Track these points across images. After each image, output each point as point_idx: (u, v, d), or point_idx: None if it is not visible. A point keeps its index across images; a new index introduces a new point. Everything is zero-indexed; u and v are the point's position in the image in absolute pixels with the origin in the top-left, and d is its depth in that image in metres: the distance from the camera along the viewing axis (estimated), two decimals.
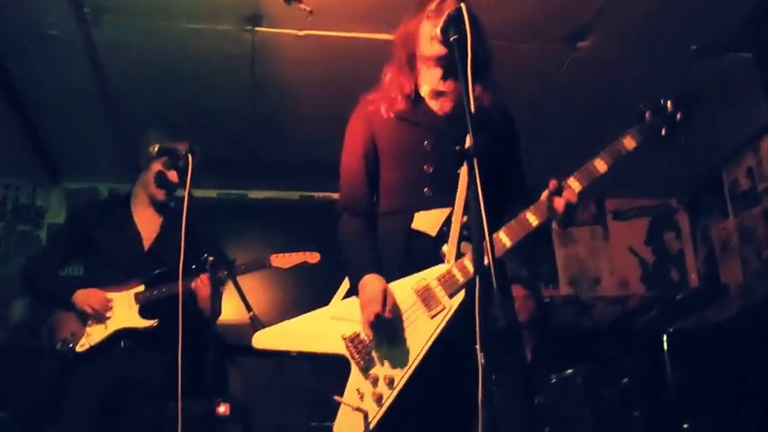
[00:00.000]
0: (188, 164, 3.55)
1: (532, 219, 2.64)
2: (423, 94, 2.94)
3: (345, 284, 2.95)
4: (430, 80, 2.93)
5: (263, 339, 2.80)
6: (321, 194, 6.78)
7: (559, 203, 2.60)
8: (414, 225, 2.76)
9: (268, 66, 4.94)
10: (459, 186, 2.67)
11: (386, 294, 2.62)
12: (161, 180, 4.11)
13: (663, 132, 2.74)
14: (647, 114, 2.75)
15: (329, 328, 2.71)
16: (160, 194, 4.17)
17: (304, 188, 6.76)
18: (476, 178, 2.16)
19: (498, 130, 2.85)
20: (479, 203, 2.12)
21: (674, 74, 5.12)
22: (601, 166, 2.68)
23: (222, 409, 4.97)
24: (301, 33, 4.61)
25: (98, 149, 6.00)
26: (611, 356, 4.91)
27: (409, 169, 2.83)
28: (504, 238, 2.64)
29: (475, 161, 2.19)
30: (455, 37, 2.49)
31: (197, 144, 4.01)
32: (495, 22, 4.53)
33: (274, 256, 4.25)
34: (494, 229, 2.58)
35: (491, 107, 2.87)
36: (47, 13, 4.36)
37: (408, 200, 2.80)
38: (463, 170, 2.65)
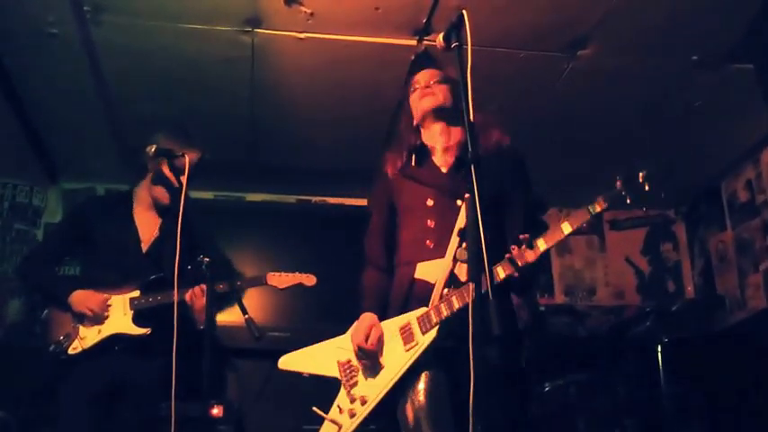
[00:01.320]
0: (184, 165, 3.55)
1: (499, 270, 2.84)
2: (431, 152, 3.26)
3: None
4: (429, 138, 3.29)
5: (288, 362, 3.33)
6: (318, 198, 6.78)
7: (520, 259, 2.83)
8: (416, 274, 3.11)
9: (268, 68, 4.94)
10: (451, 239, 2.98)
11: (371, 329, 3.07)
12: (159, 177, 4.10)
13: (628, 201, 2.87)
14: (618, 183, 2.86)
15: (333, 354, 3.21)
16: (163, 196, 4.17)
17: (301, 192, 6.76)
18: (474, 185, 2.20)
19: (507, 166, 3.17)
20: (477, 212, 2.15)
21: (675, 84, 5.13)
22: (566, 228, 2.86)
23: (216, 410, 4.96)
24: (302, 36, 4.60)
25: (96, 150, 5.99)
26: (606, 366, 4.90)
27: (415, 225, 3.18)
28: (500, 272, 2.85)
29: (473, 168, 2.23)
30: (456, 44, 2.52)
31: (207, 151, 4.03)
32: (496, 30, 4.56)
33: (271, 274, 4.28)
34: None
35: (499, 145, 3.20)
36: (46, 12, 4.35)
37: (414, 252, 3.15)
38: (458, 220, 2.93)
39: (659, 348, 4.62)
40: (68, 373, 3.94)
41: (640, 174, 2.87)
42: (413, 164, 3.28)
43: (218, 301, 3.92)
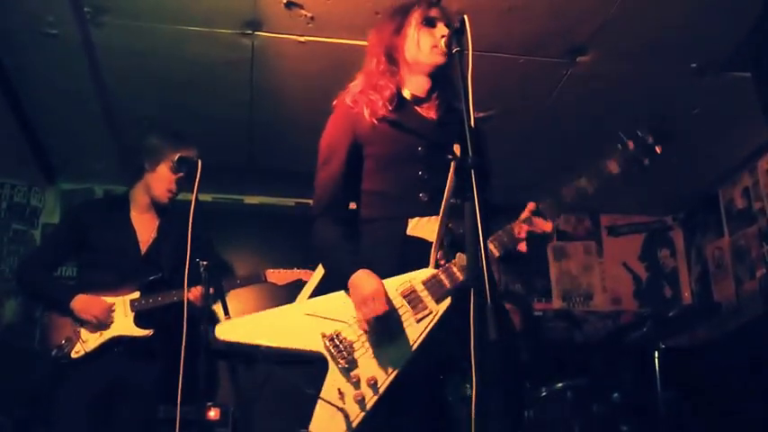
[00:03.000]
0: (196, 171, 3.55)
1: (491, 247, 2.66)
2: (406, 98, 2.94)
3: (313, 281, 2.93)
4: (414, 86, 2.94)
5: (228, 331, 2.73)
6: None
7: (526, 228, 2.68)
8: (409, 231, 2.74)
9: (267, 71, 4.94)
10: (445, 193, 2.66)
11: (385, 291, 2.59)
12: (180, 185, 4.13)
13: (646, 162, 2.81)
14: (630, 144, 2.81)
15: (305, 324, 2.64)
16: (164, 197, 4.18)
17: (300, 195, 6.75)
18: (473, 191, 2.18)
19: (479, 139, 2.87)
20: (477, 218, 2.13)
21: (674, 91, 5.14)
22: (585, 185, 2.74)
23: (212, 413, 4.96)
24: (302, 39, 4.61)
25: (94, 150, 5.98)
26: (603, 371, 4.91)
27: (403, 175, 2.81)
28: (494, 249, 2.67)
29: (473, 174, 2.21)
30: (457, 49, 2.51)
31: (199, 152, 4.04)
32: (495, 36, 4.57)
33: (270, 271, 4.27)
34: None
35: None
36: (46, 13, 4.35)
37: (402, 206, 2.78)
38: (450, 177, 2.65)
39: (656, 354, 4.62)
40: (67, 376, 3.94)
41: (649, 135, 2.83)
42: (392, 109, 2.86)
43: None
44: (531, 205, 2.71)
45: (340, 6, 4.36)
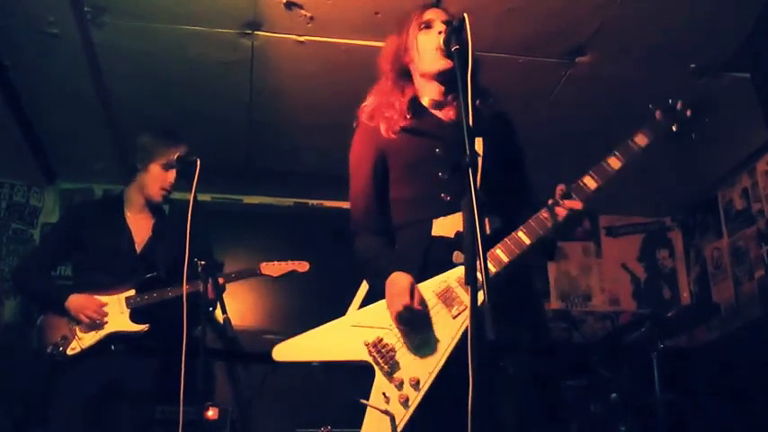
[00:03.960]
0: (195, 170, 3.55)
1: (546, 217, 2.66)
2: (424, 104, 2.96)
3: (360, 294, 3.01)
4: (429, 92, 2.96)
5: (284, 352, 2.78)
6: (315, 202, 6.78)
7: (562, 211, 2.64)
8: (434, 232, 2.77)
9: (267, 71, 4.95)
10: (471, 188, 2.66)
11: (413, 288, 2.61)
12: (174, 184, 4.14)
13: (674, 129, 2.84)
14: (658, 113, 2.84)
15: (351, 336, 2.71)
16: (158, 196, 4.19)
17: (298, 195, 6.76)
18: (471, 189, 2.17)
19: (501, 136, 2.90)
20: (474, 216, 2.12)
21: (673, 92, 5.13)
22: (615, 163, 2.74)
23: (211, 413, 4.96)
24: (302, 39, 4.62)
25: (94, 150, 5.99)
26: (600, 371, 4.91)
27: (425, 178, 2.84)
28: (523, 237, 2.66)
29: (470, 172, 2.20)
30: (456, 47, 2.51)
31: (193, 147, 4.05)
32: (495, 36, 4.57)
33: (264, 264, 4.28)
34: (506, 232, 2.64)
35: (491, 116, 2.93)
36: (47, 13, 4.36)
37: (427, 208, 2.81)
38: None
39: (654, 355, 4.62)
40: (65, 374, 3.94)
41: (678, 102, 2.83)
42: (410, 117, 2.92)
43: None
44: (560, 188, 2.70)
45: (340, 7, 4.36)
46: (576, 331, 6.55)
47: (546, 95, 5.21)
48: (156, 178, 4.17)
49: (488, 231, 2.65)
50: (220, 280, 3.87)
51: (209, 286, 3.60)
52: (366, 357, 2.65)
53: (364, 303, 2.91)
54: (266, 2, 4.31)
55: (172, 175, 4.12)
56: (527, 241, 2.65)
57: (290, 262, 4.29)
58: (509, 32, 4.52)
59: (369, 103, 3.05)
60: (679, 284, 7.10)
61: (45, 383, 4.05)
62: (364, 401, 2.59)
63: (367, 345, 2.66)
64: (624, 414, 4.58)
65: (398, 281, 2.64)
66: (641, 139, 2.78)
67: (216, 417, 4.99)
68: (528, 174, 3.05)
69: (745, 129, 5.54)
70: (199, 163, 3.55)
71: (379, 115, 2.95)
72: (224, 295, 3.64)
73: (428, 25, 2.93)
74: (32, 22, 4.43)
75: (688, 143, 2.85)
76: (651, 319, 4.86)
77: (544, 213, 2.68)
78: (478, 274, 2.09)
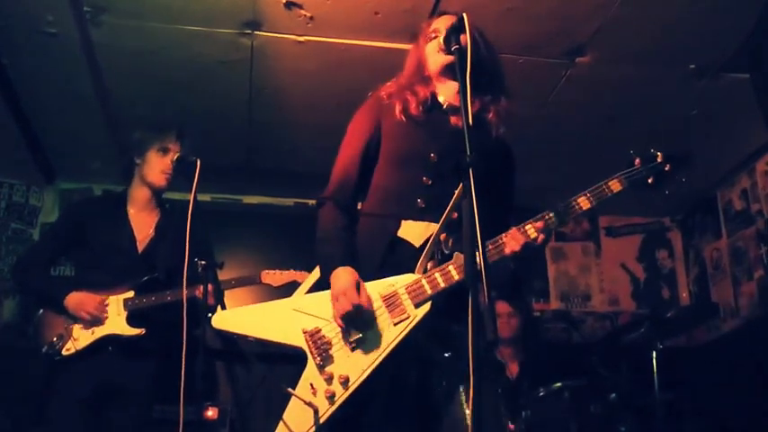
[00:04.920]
0: (195, 171, 3.55)
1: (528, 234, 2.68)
2: (442, 103, 2.94)
3: (311, 278, 3.03)
4: (447, 93, 2.94)
5: (223, 320, 2.81)
6: (315, 202, 6.77)
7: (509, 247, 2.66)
8: (399, 233, 2.76)
9: (267, 71, 4.95)
10: (450, 204, 2.65)
11: (360, 287, 2.63)
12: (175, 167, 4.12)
13: (650, 181, 2.85)
14: (637, 162, 2.84)
15: (291, 319, 2.70)
16: (162, 180, 4.18)
17: (299, 195, 6.76)
18: (471, 189, 2.17)
19: (496, 157, 2.88)
20: (474, 214, 2.13)
21: (672, 93, 5.15)
22: (584, 203, 2.76)
23: (210, 413, 4.96)
24: (301, 39, 4.62)
25: (93, 150, 5.99)
26: (600, 372, 4.91)
27: (408, 177, 2.82)
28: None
29: (471, 172, 2.21)
30: (456, 46, 2.51)
31: (191, 149, 4.04)
32: (494, 36, 4.56)
33: (265, 272, 4.27)
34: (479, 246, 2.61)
35: (495, 132, 2.92)
36: (46, 12, 4.36)
37: (399, 207, 2.80)
38: (459, 189, 2.61)
39: (654, 355, 4.62)
40: (61, 375, 3.94)
41: (658, 154, 2.84)
42: (422, 110, 2.88)
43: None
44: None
45: (339, 6, 4.36)
46: (575, 331, 6.56)
47: (546, 95, 5.21)
48: (155, 164, 4.17)
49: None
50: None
51: (210, 292, 3.60)
52: (301, 344, 2.66)
53: (316, 286, 2.93)
54: (266, 1, 4.31)
55: (170, 157, 4.09)
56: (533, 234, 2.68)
57: (291, 271, 4.28)
58: (509, 32, 4.52)
59: (390, 84, 3.04)
60: (678, 285, 7.11)
61: (42, 383, 4.05)
62: (290, 390, 2.61)
63: (305, 332, 2.66)
64: (623, 414, 4.58)
65: (344, 279, 2.63)
66: (615, 186, 2.81)
67: (215, 417, 4.99)
68: (512, 201, 3.03)
69: (744, 129, 5.55)
70: (199, 163, 3.54)
71: (400, 95, 2.93)
72: (224, 296, 3.63)
73: (435, 35, 2.95)
74: (31, 22, 4.43)
75: (661, 195, 2.90)
76: (650, 319, 4.86)
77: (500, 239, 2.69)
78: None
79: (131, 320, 4.01)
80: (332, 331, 2.66)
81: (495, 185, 2.71)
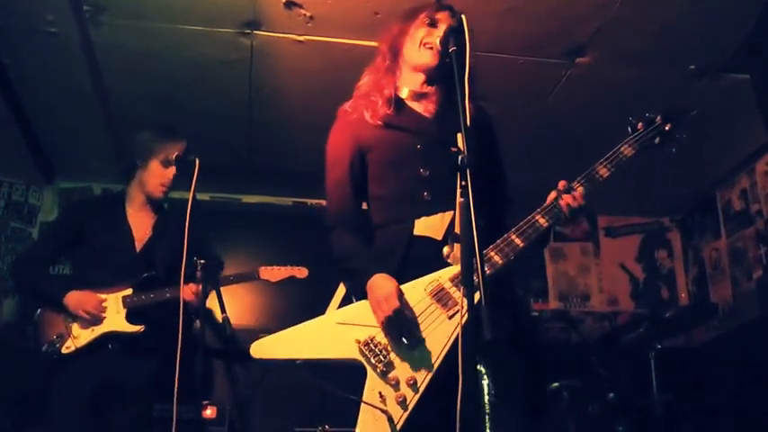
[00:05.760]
0: (194, 170, 3.55)
1: (542, 220, 2.68)
2: (403, 97, 2.94)
3: (339, 294, 2.99)
4: (411, 83, 2.94)
5: (263, 349, 2.71)
6: (314, 201, 6.78)
7: (565, 203, 2.67)
8: (416, 231, 2.74)
9: (266, 70, 4.95)
10: (457, 189, 2.57)
11: (399, 292, 2.59)
12: (174, 180, 4.13)
13: (656, 142, 2.85)
14: (640, 126, 2.85)
15: (339, 333, 2.65)
16: (158, 192, 4.18)
17: (298, 195, 6.76)
18: (469, 191, 2.17)
19: (481, 132, 2.85)
20: (471, 217, 2.13)
21: (672, 93, 5.15)
22: (603, 171, 2.76)
23: (209, 412, 4.96)
24: (301, 39, 4.62)
25: (93, 149, 5.99)
26: (598, 371, 4.91)
27: (405, 176, 2.81)
28: (516, 239, 2.66)
29: (468, 173, 2.20)
30: (454, 48, 2.51)
31: (192, 145, 4.05)
32: (494, 36, 4.57)
33: (263, 268, 4.27)
34: (489, 233, 2.60)
35: (473, 111, 2.90)
36: (46, 11, 4.36)
37: (408, 207, 2.78)
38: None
39: (652, 355, 4.62)
40: (61, 373, 3.94)
41: (657, 116, 2.86)
42: (391, 113, 2.87)
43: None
44: (562, 183, 2.75)
45: (339, 6, 4.37)
46: (574, 331, 6.54)
47: (546, 96, 5.22)
48: (156, 175, 4.16)
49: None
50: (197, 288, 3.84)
51: (196, 291, 3.61)
52: (357, 356, 2.60)
53: (343, 305, 2.86)
54: (266, 1, 4.32)
55: (171, 171, 4.10)
56: (520, 244, 2.65)
57: (289, 267, 4.28)
58: (509, 32, 4.53)
59: (363, 82, 3.04)
60: (677, 285, 7.11)
61: (42, 382, 4.04)
62: (365, 402, 2.53)
63: (359, 343, 2.60)
64: (622, 414, 4.58)
65: (382, 284, 2.61)
66: (627, 150, 2.81)
67: (214, 416, 4.99)
68: (505, 170, 3.03)
69: (744, 129, 5.55)
70: (198, 162, 3.54)
71: (364, 101, 2.93)
72: (223, 294, 3.62)
73: (433, 23, 2.90)
74: (31, 21, 4.43)
75: (669, 155, 2.90)
76: (649, 319, 4.87)
77: (537, 216, 2.69)
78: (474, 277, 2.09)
79: (131, 318, 4.00)
80: (388, 336, 2.61)
81: (484, 159, 2.74)
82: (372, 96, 2.92)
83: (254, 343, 2.72)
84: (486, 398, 2.43)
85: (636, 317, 6.59)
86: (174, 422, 3.25)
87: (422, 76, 2.90)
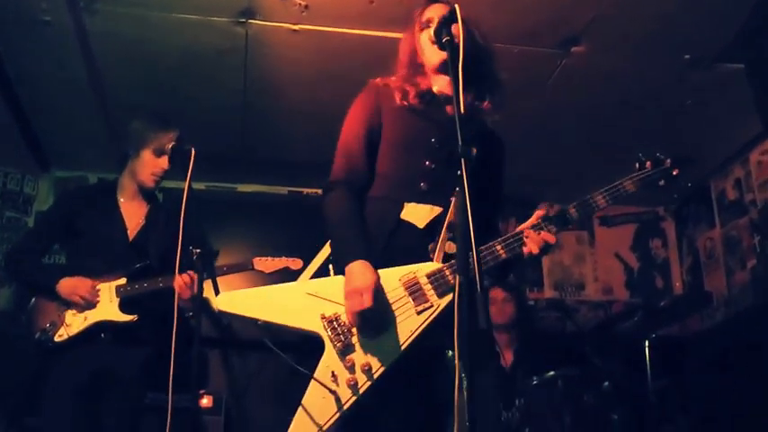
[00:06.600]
0: (189, 160, 3.54)
1: (501, 252, 2.70)
2: (436, 93, 2.94)
3: (318, 259, 2.96)
4: (440, 84, 2.93)
5: (230, 302, 2.68)
6: (310, 191, 6.79)
7: (528, 250, 2.69)
8: (403, 215, 2.75)
9: (261, 59, 4.94)
10: (455, 189, 2.58)
11: (377, 287, 2.56)
12: (166, 171, 4.13)
13: (661, 183, 2.92)
14: (648, 164, 2.91)
15: (305, 303, 2.62)
16: (150, 182, 4.18)
17: (293, 183, 6.76)
18: (464, 180, 2.18)
19: (489, 146, 2.88)
20: (466, 205, 2.13)
21: (667, 82, 5.15)
22: (601, 201, 2.82)
23: (205, 401, 4.97)
24: (296, 28, 4.61)
25: (88, 138, 5.98)
26: (593, 360, 4.93)
27: (410, 161, 2.82)
28: (500, 251, 2.69)
29: (462, 162, 2.21)
30: (447, 38, 2.51)
31: (184, 134, 4.04)
32: (489, 25, 4.55)
33: (257, 259, 4.26)
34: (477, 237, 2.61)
35: (488, 123, 2.95)
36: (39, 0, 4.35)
37: (402, 190, 2.79)
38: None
39: (647, 343, 4.64)
40: (54, 362, 3.94)
41: (667, 160, 2.91)
42: (419, 102, 2.88)
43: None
44: (539, 212, 2.75)
45: None
46: (569, 320, 6.57)
47: (541, 85, 5.22)
48: (148, 164, 4.15)
49: None
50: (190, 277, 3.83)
51: (187, 281, 3.61)
52: (319, 330, 2.58)
53: (321, 268, 2.89)
54: None
55: (164, 161, 4.09)
56: (502, 255, 2.69)
57: (283, 258, 4.27)
58: (504, 22, 4.52)
59: (390, 76, 3.03)
60: (672, 274, 7.14)
61: (35, 371, 4.04)
62: (316, 378, 2.51)
63: (323, 318, 2.59)
64: (616, 403, 4.60)
65: (361, 276, 2.57)
66: (630, 186, 2.87)
67: (210, 405, 5.00)
68: (502, 196, 3.04)
69: (738, 119, 5.56)
70: (194, 152, 3.53)
71: (398, 84, 2.93)
72: (218, 283, 3.62)
73: (428, 24, 2.90)
74: (25, 10, 4.42)
75: (667, 195, 3.04)
76: (644, 308, 4.89)
77: (497, 245, 2.70)
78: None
79: (124, 307, 4.00)
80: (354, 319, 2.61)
81: (486, 175, 2.74)
82: (407, 86, 2.91)
83: (222, 294, 2.72)
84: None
85: (630, 306, 6.62)
86: (170, 410, 3.25)
87: (446, 78, 2.82)
